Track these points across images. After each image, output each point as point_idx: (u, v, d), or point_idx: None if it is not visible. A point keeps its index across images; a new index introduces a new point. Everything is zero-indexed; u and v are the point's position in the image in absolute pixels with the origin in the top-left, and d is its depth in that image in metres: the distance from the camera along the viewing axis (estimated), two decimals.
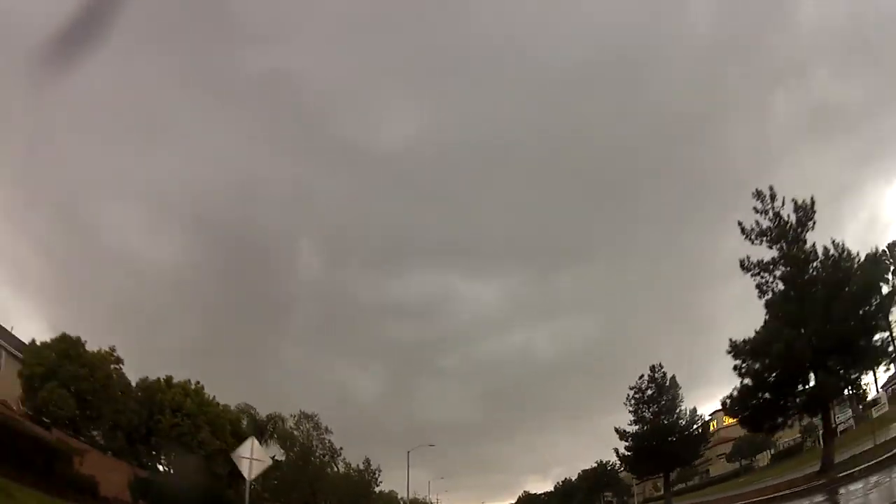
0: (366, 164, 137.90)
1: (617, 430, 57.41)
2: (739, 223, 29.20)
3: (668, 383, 56.34)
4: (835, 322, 25.73)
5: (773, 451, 58.77)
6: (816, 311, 26.13)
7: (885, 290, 29.30)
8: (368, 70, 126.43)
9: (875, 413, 40.32)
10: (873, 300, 26.65)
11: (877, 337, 27.02)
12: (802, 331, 26.89)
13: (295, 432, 47.69)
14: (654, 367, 57.17)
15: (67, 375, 25.24)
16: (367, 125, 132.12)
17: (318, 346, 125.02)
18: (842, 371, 26.98)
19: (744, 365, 29.17)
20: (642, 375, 57.31)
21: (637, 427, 55.09)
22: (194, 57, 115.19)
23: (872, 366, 29.38)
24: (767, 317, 28.77)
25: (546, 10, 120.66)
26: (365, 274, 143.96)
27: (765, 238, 28.32)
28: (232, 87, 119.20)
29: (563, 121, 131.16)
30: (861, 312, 26.20)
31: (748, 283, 28.16)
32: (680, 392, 56.09)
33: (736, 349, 28.98)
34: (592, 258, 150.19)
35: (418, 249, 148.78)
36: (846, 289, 26.39)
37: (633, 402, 55.95)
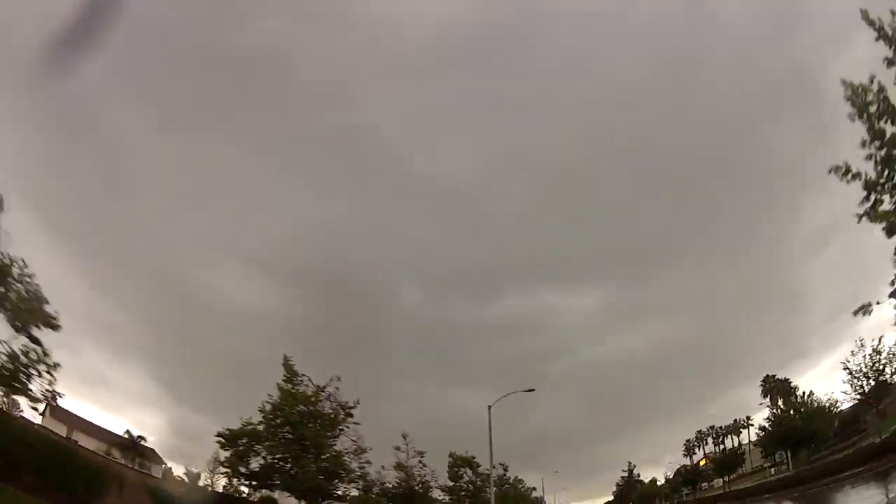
0: (447, 198, 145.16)
1: None
2: None
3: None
4: None
5: None
6: None
7: None
8: (438, 109, 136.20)
9: None
10: None
11: None
12: None
13: None
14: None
15: None
16: (444, 162, 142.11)
17: (425, 376, 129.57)
18: None
19: None
20: None
21: None
22: (272, 124, 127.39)
23: None
24: None
25: (596, 27, 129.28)
26: (463, 301, 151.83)
27: None
28: (311, 144, 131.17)
29: (630, 132, 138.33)
30: None
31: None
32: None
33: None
34: (678, 259, 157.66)
35: (511, 272, 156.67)
36: None
37: None
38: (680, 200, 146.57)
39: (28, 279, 17.89)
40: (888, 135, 17.43)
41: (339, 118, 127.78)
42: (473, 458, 56.93)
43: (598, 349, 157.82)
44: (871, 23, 18.67)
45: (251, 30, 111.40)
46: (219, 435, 26.07)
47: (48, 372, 18.71)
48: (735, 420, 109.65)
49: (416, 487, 45.05)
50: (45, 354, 18.50)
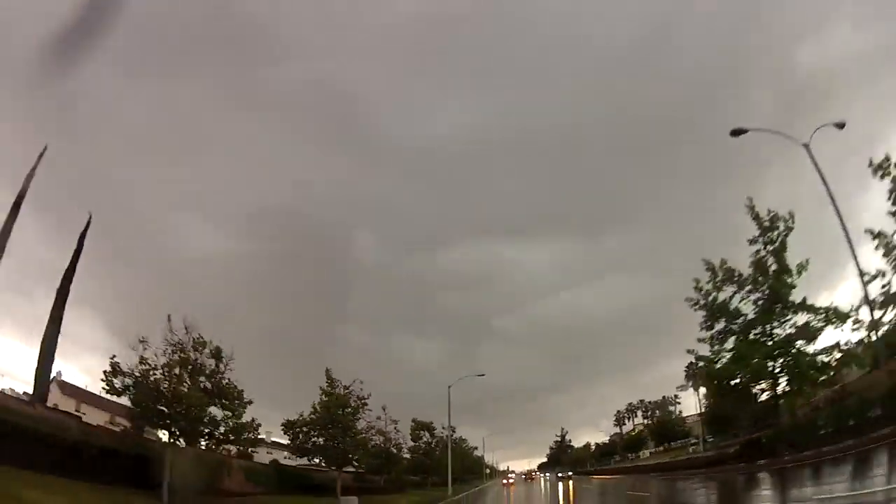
0: (412, 156, 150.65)
1: None
2: None
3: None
4: None
5: None
6: None
7: None
8: (411, 72, 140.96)
9: None
10: None
11: None
12: None
13: None
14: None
15: None
16: (413, 121, 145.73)
17: (378, 324, 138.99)
18: None
19: None
20: None
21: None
22: (244, 73, 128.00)
23: None
24: None
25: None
26: (418, 252, 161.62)
27: None
28: (281, 97, 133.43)
29: (598, 94, 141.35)
30: None
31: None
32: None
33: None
34: (635, 220, 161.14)
35: (467, 226, 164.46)
36: None
37: None
38: (642, 164, 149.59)
39: (233, 382, 26.17)
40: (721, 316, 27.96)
41: (314, 75, 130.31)
42: (431, 423, 69.26)
43: (549, 305, 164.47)
44: (750, 209, 28.51)
45: None
46: (283, 424, 36.80)
47: (255, 429, 28.17)
48: (664, 397, 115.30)
49: (392, 449, 55.77)
50: (255, 422, 27.92)
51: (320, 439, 36.03)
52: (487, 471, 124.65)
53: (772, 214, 27.94)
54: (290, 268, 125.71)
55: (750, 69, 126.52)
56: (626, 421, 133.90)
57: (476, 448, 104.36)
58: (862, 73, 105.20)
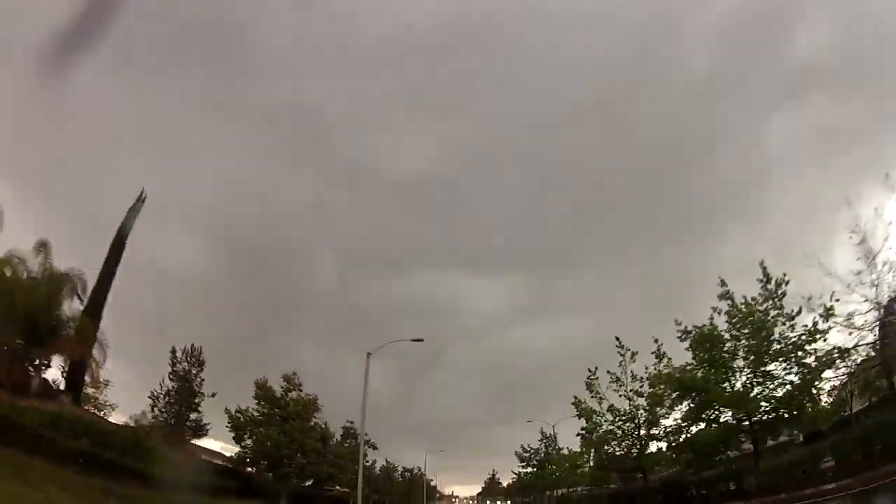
0: (378, 182, 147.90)
1: None
2: None
3: None
4: None
5: None
6: None
7: None
8: (383, 99, 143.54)
9: None
10: None
11: None
12: None
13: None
14: None
15: None
16: (382, 146, 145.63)
17: (333, 346, 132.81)
18: None
19: None
20: None
21: None
22: (217, 84, 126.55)
23: None
24: None
25: (547, 42, 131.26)
26: (377, 278, 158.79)
27: None
28: (254, 112, 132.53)
29: (565, 141, 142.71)
30: None
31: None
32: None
33: None
34: (590, 265, 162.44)
35: (427, 257, 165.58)
36: None
37: None
38: (602, 213, 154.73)
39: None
40: None
41: (289, 95, 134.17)
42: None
43: (501, 340, 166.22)
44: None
45: None
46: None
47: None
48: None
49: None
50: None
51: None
52: (438, 496, 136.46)
53: None
54: (250, 280, 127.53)
55: (721, 133, 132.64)
56: None
57: (431, 479, 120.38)
58: (832, 145, 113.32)
